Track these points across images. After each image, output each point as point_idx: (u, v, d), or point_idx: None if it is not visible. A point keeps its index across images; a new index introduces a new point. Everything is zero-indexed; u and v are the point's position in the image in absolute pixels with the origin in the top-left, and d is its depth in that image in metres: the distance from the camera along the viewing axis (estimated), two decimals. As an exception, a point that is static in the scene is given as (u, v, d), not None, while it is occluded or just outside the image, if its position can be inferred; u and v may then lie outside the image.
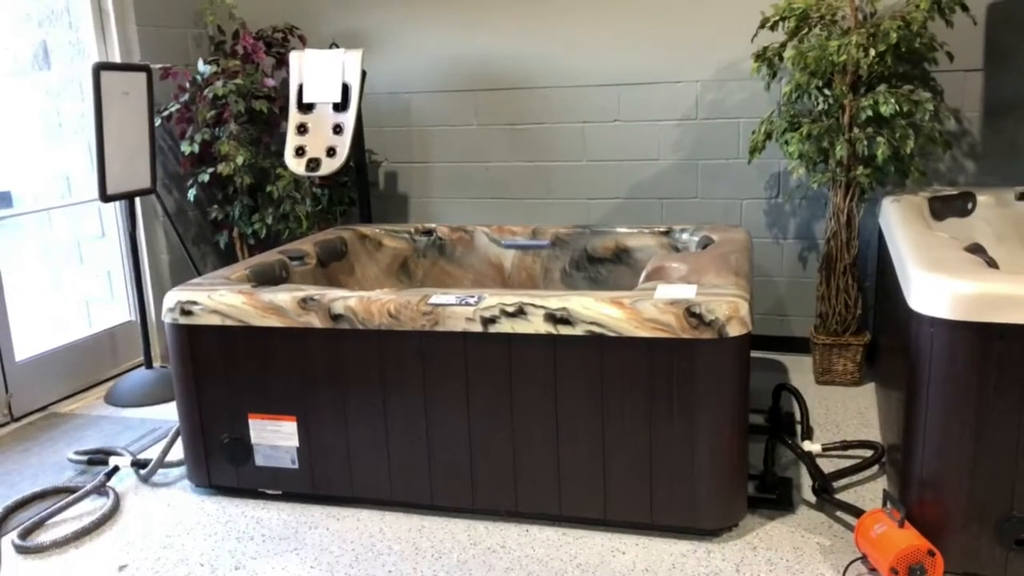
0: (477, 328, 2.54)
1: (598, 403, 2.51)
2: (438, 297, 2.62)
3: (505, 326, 2.52)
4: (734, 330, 2.37)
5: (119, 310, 4.45)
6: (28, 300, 4.34)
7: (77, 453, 3.27)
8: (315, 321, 2.67)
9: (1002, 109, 3.71)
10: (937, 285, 2.17)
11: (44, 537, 2.71)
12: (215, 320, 2.76)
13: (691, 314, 2.38)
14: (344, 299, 2.65)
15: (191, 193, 4.41)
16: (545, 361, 2.52)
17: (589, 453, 2.55)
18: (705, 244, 3.31)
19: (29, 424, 3.73)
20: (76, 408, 3.91)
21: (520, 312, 2.50)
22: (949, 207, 3.52)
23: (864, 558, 2.38)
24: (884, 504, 2.40)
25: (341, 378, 2.71)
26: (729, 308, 2.38)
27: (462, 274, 3.87)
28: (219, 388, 2.85)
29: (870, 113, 3.36)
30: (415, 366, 2.64)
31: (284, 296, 2.72)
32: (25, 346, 3.87)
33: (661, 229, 3.60)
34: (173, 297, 2.84)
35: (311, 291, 2.74)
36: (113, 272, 4.45)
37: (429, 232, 3.93)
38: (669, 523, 2.55)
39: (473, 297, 2.59)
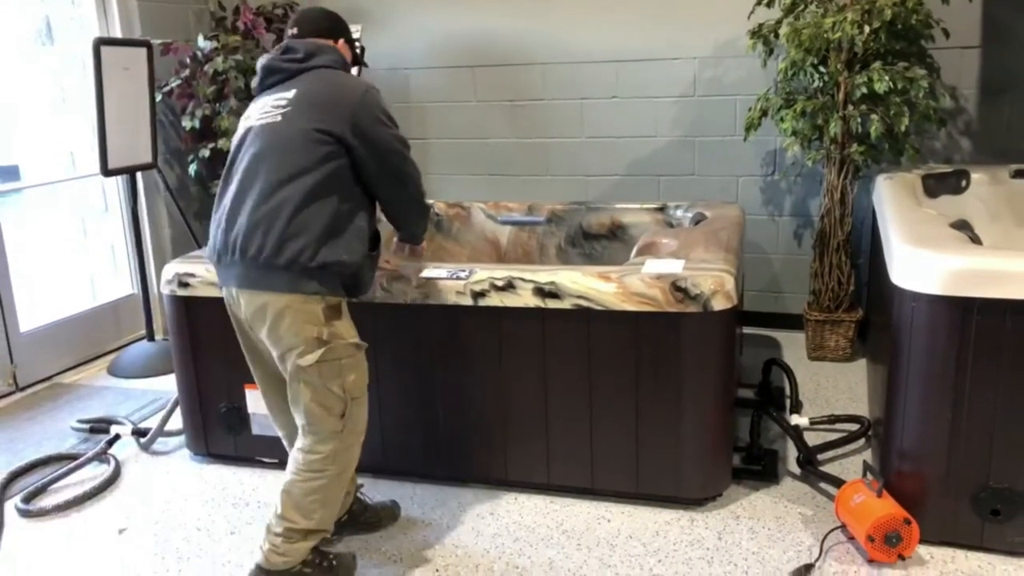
0: (467, 301, 2.58)
1: (586, 375, 2.55)
2: (430, 271, 2.66)
3: (495, 299, 2.56)
4: (719, 304, 2.41)
5: (122, 283, 4.51)
6: (34, 273, 4.40)
7: (80, 421, 3.34)
8: None
9: (999, 87, 3.71)
10: (918, 260, 2.20)
11: (47, 501, 2.79)
12: (212, 292, 2.81)
13: (676, 288, 2.41)
14: None
15: (192, 168, 4.45)
16: (534, 334, 2.56)
17: (577, 424, 2.60)
18: (698, 220, 3.34)
19: (34, 394, 3.81)
20: (80, 379, 3.98)
21: (509, 286, 2.54)
22: (943, 185, 3.54)
23: (844, 527, 2.43)
24: (864, 475, 2.45)
25: None
26: (714, 282, 2.41)
27: (459, 250, 3.90)
28: (217, 359, 2.90)
29: (865, 90, 3.37)
30: (407, 338, 2.68)
31: None
32: (30, 318, 3.94)
33: (656, 205, 3.62)
34: (171, 269, 2.89)
35: None
36: (116, 246, 4.51)
37: None
38: (654, 492, 2.60)
39: (464, 271, 2.63)
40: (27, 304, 3.93)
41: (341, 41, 2.35)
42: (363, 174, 2.18)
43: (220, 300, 2.78)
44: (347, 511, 2.49)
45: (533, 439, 2.66)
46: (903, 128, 3.36)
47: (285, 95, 2.16)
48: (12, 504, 2.79)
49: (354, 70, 2.47)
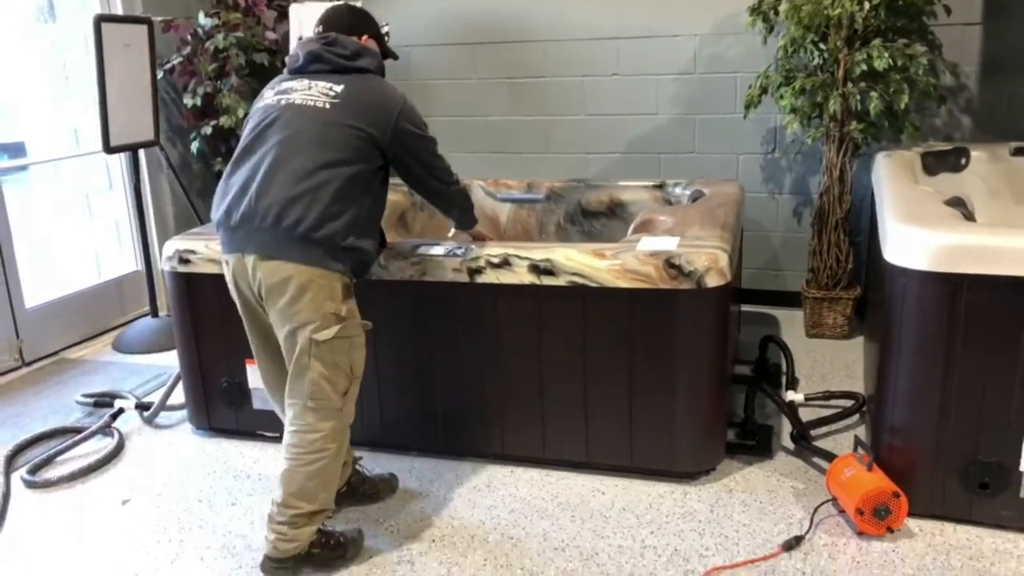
0: (464, 278, 2.60)
1: (581, 351, 2.58)
2: (426, 248, 2.68)
3: (491, 276, 2.58)
4: (712, 281, 2.42)
5: (126, 260, 4.55)
6: (39, 249, 4.44)
7: (84, 396, 3.39)
8: None
9: (1000, 63, 3.69)
10: (908, 237, 2.22)
11: (52, 473, 2.84)
12: (213, 268, 2.84)
13: (670, 265, 2.43)
14: None
15: (195, 146, 4.47)
16: (530, 310, 2.59)
17: (572, 399, 2.63)
18: (696, 198, 3.34)
19: (40, 369, 3.86)
20: (85, 354, 4.03)
21: (505, 263, 2.56)
22: (942, 162, 3.53)
23: (834, 500, 2.46)
24: (855, 449, 2.47)
25: None
26: (708, 259, 2.43)
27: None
28: (217, 334, 2.94)
29: (864, 68, 3.36)
30: (404, 314, 2.71)
31: None
32: (36, 294, 3.98)
33: (654, 183, 3.63)
34: (172, 246, 2.92)
35: None
36: (120, 223, 4.55)
37: None
38: (648, 466, 2.63)
39: (460, 248, 2.65)
40: (33, 280, 3.98)
41: (365, 36, 2.40)
42: (403, 176, 2.37)
43: (221, 277, 2.75)
44: (346, 483, 2.54)
45: (529, 414, 2.69)
46: (903, 105, 3.35)
47: (334, 87, 2.23)
48: (18, 476, 2.85)
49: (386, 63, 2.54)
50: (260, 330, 2.34)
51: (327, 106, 2.19)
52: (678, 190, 3.57)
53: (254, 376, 2.91)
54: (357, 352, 2.24)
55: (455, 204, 2.55)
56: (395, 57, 2.56)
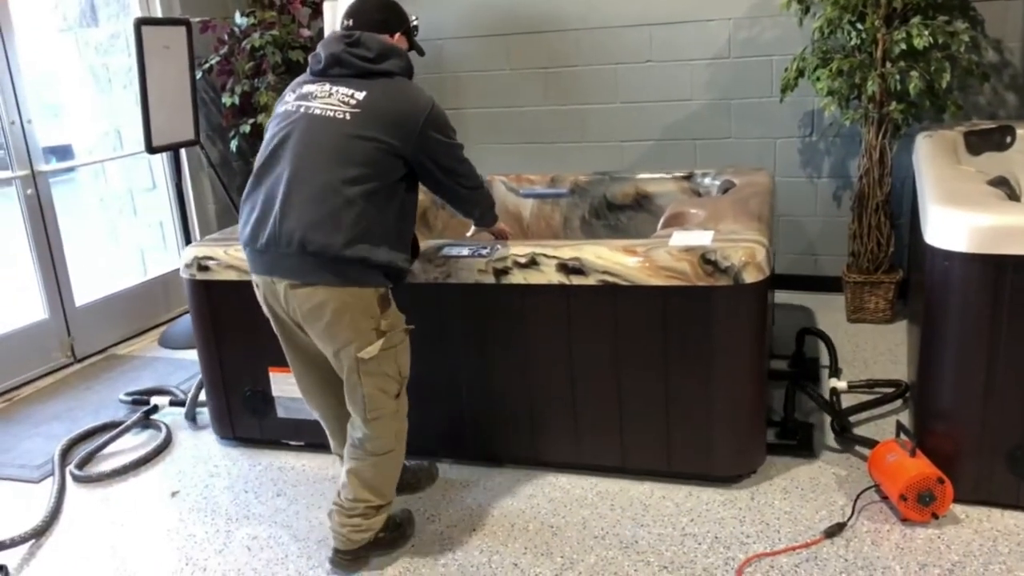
0: (490, 279, 2.52)
1: (613, 352, 2.49)
2: (450, 248, 2.60)
3: (517, 277, 2.49)
4: (750, 276, 2.32)
5: (171, 258, 4.65)
6: (87, 249, 4.56)
7: (127, 394, 3.49)
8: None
9: (1046, 38, 3.59)
10: (950, 218, 2.18)
11: (103, 466, 2.93)
12: (232, 275, 2.77)
13: (706, 261, 2.33)
14: None
15: (234, 144, 4.55)
16: (558, 311, 2.50)
17: (605, 402, 2.54)
18: (727, 188, 3.27)
19: (91, 365, 3.97)
20: (133, 350, 4.14)
21: (532, 263, 2.48)
22: (986, 141, 3.45)
23: (877, 487, 2.43)
24: (897, 435, 2.44)
25: None
26: (745, 254, 2.33)
27: None
28: (239, 343, 2.87)
29: (904, 47, 3.30)
30: (430, 317, 2.61)
31: None
32: (85, 292, 4.09)
33: (682, 174, 3.55)
34: (190, 253, 2.83)
35: None
36: (164, 222, 4.65)
37: None
38: (686, 470, 2.55)
39: (486, 248, 2.57)
40: (82, 279, 4.09)
41: (398, 34, 2.28)
42: (426, 182, 2.26)
43: (240, 283, 2.75)
44: None
45: (561, 418, 2.61)
46: (944, 84, 3.28)
47: (356, 94, 2.11)
48: (68, 470, 2.94)
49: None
50: (295, 345, 2.31)
51: (347, 116, 2.09)
52: (707, 180, 3.49)
53: (278, 384, 2.87)
54: (403, 356, 2.23)
55: (477, 205, 2.44)
56: (421, 52, 2.45)
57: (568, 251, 2.47)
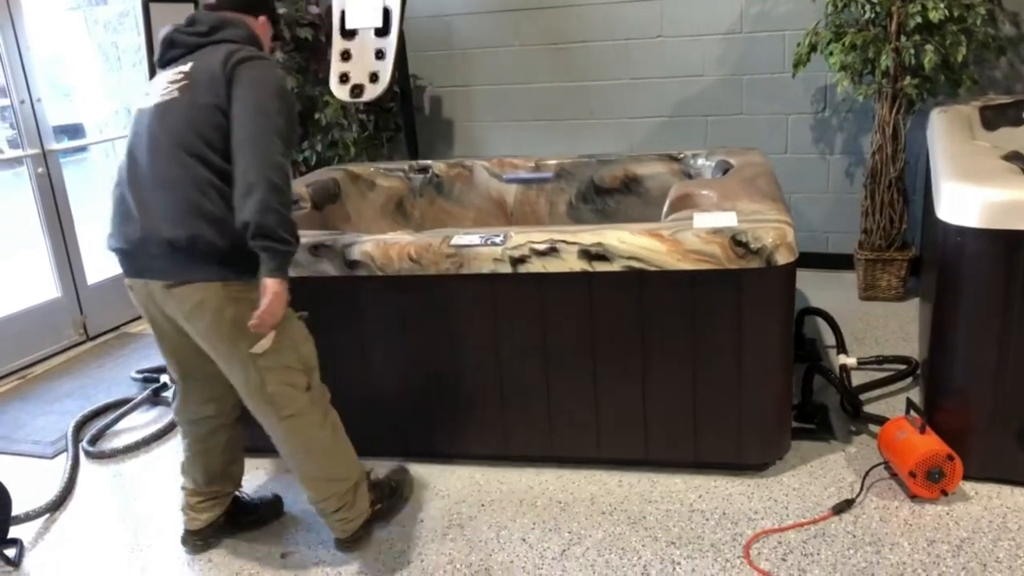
0: (506, 269, 2.38)
1: (638, 341, 2.38)
2: (461, 237, 2.46)
3: (536, 265, 2.36)
4: (782, 257, 2.24)
5: (181, 237, 4.66)
6: (99, 228, 4.57)
7: (138, 372, 3.52)
8: (329, 269, 2.47)
9: (1065, 11, 3.53)
10: (963, 193, 2.15)
11: (116, 443, 2.97)
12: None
13: (737, 243, 2.23)
14: (360, 244, 2.46)
15: (243, 122, 4.53)
16: (580, 300, 2.38)
17: (629, 392, 2.45)
18: (726, 169, 3.14)
19: (103, 343, 4.00)
20: (144, 328, 4.16)
21: (552, 250, 2.34)
22: (1002, 116, 3.40)
23: (886, 464, 2.43)
24: (907, 412, 2.43)
25: (360, 328, 2.54)
26: (776, 235, 2.24)
27: (462, 212, 3.67)
28: None
29: (919, 20, 3.25)
30: (440, 312, 2.49)
31: None
32: (97, 271, 4.11)
33: (671, 154, 3.46)
34: None
35: (322, 236, 2.54)
36: (174, 201, 4.65)
37: (425, 169, 3.70)
38: (714, 460, 2.48)
39: (499, 236, 2.43)
40: (94, 258, 4.10)
41: (263, 18, 2.16)
42: (233, 154, 1.93)
43: None
44: (223, 512, 2.35)
45: (582, 411, 2.50)
46: (960, 58, 3.24)
47: (183, 69, 1.99)
48: (81, 446, 2.97)
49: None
50: (174, 350, 2.14)
51: (176, 94, 1.94)
52: (699, 161, 3.39)
53: None
54: (304, 345, 2.09)
55: (268, 210, 1.85)
56: (283, 40, 2.24)
57: (589, 236, 2.35)
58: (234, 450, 2.32)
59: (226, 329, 1.95)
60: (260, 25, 2.16)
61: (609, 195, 3.52)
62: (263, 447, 2.59)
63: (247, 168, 1.86)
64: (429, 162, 3.75)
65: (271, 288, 1.88)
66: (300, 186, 3.30)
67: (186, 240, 1.89)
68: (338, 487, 2.17)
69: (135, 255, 1.98)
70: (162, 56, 2.07)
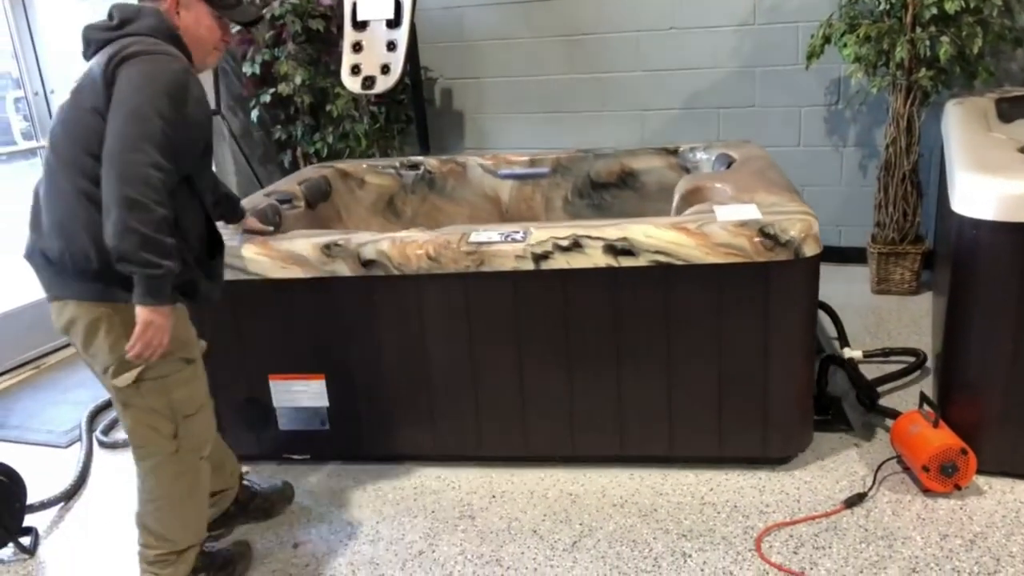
0: (528, 266, 2.33)
1: (663, 336, 2.35)
2: (479, 234, 2.40)
3: (559, 261, 2.31)
4: (809, 249, 2.23)
5: (193, 228, 4.67)
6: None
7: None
8: (343, 269, 2.41)
9: (1083, 2, 3.49)
10: (978, 185, 2.14)
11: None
12: (227, 275, 2.32)
13: (765, 235, 2.22)
14: (375, 243, 2.41)
15: (255, 114, 4.55)
16: (605, 296, 2.34)
17: (653, 389, 2.41)
18: (730, 162, 3.10)
19: (116, 334, 4.02)
20: (157, 319, 4.18)
21: (575, 245, 2.30)
22: (1018, 108, 3.37)
23: (899, 458, 2.42)
24: (920, 406, 2.42)
25: (376, 329, 2.47)
26: (803, 226, 2.22)
27: (456, 209, 3.61)
28: (230, 348, 2.54)
29: (934, 11, 3.22)
30: (460, 311, 2.42)
31: (303, 244, 2.44)
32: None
33: (668, 148, 3.42)
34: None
35: (334, 236, 2.47)
36: (186, 192, 4.67)
37: (416, 166, 3.63)
38: (739, 455, 2.47)
39: (519, 232, 2.38)
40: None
41: (201, 5, 1.91)
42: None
43: (238, 282, 2.46)
44: (234, 501, 2.33)
45: (605, 410, 2.46)
46: (976, 50, 3.21)
47: (85, 68, 1.81)
48: (95, 435, 2.99)
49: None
50: None
51: (68, 96, 1.79)
52: (697, 155, 3.35)
53: (278, 393, 2.59)
54: (179, 390, 1.88)
55: (126, 231, 1.65)
56: (247, 24, 2.06)
57: (613, 231, 2.30)
58: (218, 453, 2.20)
59: (95, 352, 1.83)
60: (200, 13, 1.90)
61: (605, 190, 3.49)
62: (264, 452, 2.69)
63: (106, 184, 1.68)
64: (420, 158, 3.69)
65: (142, 316, 1.72)
66: (292, 184, 3.24)
67: (58, 253, 1.77)
68: (165, 546, 1.97)
69: (30, 264, 1.89)
70: (83, 54, 1.88)
